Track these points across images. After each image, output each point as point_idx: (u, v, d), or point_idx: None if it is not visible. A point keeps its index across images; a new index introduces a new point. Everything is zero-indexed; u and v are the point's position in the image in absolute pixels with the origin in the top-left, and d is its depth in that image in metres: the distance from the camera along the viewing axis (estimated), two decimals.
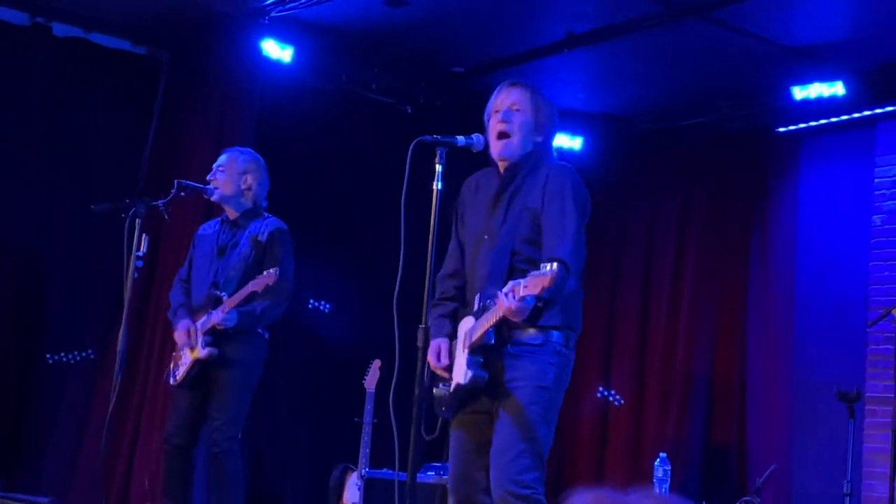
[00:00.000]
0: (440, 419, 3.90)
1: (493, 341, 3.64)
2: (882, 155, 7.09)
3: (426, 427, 3.66)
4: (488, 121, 3.90)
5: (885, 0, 5.88)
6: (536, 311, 3.58)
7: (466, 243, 3.96)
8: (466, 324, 3.79)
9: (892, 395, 5.51)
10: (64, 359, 6.49)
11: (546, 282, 3.34)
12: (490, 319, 3.60)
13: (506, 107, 3.82)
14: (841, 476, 5.68)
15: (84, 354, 6.53)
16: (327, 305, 7.03)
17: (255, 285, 4.97)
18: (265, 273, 4.96)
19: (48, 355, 6.46)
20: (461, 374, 3.72)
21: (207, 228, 5.44)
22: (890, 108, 6.94)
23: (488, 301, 3.67)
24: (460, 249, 4.00)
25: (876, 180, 7.12)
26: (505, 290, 3.47)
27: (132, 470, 6.36)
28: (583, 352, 4.03)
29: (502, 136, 3.81)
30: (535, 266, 3.61)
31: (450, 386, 3.79)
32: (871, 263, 7.06)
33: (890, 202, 7.03)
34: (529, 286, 3.37)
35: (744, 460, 7.27)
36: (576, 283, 3.70)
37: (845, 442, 5.70)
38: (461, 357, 3.75)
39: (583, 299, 3.82)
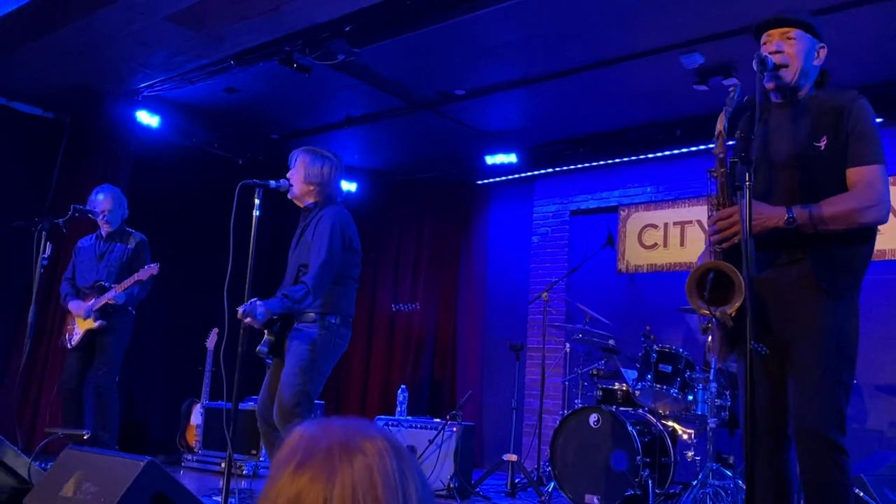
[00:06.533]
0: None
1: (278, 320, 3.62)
2: (538, 199, 7.67)
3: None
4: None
5: (540, 107, 6.28)
6: (273, 319, 3.52)
7: None
8: None
9: (542, 347, 5.85)
10: None
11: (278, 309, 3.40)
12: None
13: (291, 167, 3.86)
14: (511, 396, 5.89)
15: (4, 325, 6.14)
16: (182, 292, 6.87)
17: (140, 275, 4.92)
18: (148, 267, 4.93)
19: None
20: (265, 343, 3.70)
21: (85, 242, 5.31)
22: (542, 171, 7.44)
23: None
24: None
25: (534, 215, 7.65)
26: (247, 303, 3.41)
27: (39, 406, 6.18)
28: (354, 323, 4.04)
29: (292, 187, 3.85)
30: None
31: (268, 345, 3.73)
32: (532, 265, 7.57)
33: (542, 228, 7.61)
34: (269, 308, 3.41)
35: (453, 388, 7.66)
36: (330, 287, 3.60)
37: (514, 375, 5.95)
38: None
39: (356, 289, 3.71)
